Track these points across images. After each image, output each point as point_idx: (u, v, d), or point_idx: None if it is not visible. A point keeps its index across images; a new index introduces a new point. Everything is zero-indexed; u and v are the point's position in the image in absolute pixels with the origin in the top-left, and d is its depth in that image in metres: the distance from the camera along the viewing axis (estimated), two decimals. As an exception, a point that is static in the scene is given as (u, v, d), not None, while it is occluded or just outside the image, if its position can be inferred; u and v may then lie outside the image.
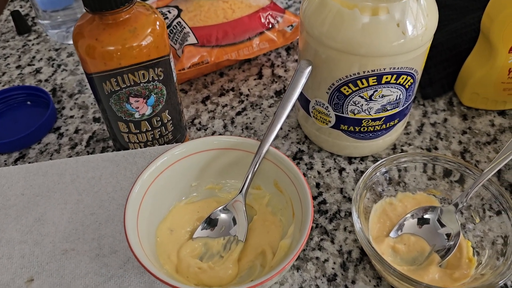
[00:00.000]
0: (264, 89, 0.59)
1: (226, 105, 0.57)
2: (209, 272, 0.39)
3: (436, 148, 0.51)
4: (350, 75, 0.42)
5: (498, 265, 0.37)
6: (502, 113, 0.55)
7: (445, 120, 0.54)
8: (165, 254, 0.40)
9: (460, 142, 0.52)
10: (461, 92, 0.55)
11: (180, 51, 0.58)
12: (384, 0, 0.38)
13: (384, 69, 0.41)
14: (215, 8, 0.62)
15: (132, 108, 0.43)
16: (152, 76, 0.41)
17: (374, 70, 0.41)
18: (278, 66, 0.62)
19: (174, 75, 0.44)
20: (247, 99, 0.58)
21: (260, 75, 0.61)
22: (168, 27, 0.60)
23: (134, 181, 0.39)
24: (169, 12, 0.62)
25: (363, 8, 0.39)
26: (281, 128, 0.54)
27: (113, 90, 0.41)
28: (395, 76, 0.41)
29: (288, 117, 0.55)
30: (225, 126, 0.55)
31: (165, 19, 0.61)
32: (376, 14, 0.39)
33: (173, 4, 0.63)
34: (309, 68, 0.43)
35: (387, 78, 0.41)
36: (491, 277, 0.37)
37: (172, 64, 0.43)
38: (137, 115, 0.43)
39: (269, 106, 0.57)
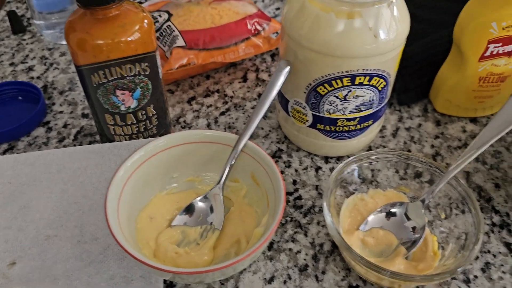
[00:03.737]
0: (248, 91, 0.61)
1: (210, 105, 0.59)
2: (185, 257, 0.40)
3: (409, 151, 0.54)
4: (326, 76, 0.44)
5: (459, 257, 0.40)
6: (474, 120, 0.58)
7: (419, 125, 0.57)
8: (144, 240, 0.42)
9: (432, 146, 0.54)
10: (434, 99, 0.58)
11: (168, 52, 0.61)
12: (358, 5, 0.41)
13: (358, 70, 0.43)
14: (204, 14, 0.64)
15: (119, 100, 0.45)
16: (139, 71, 0.44)
17: (348, 71, 0.43)
18: (262, 70, 0.65)
19: (159, 72, 0.47)
20: (231, 101, 0.60)
21: (245, 79, 0.63)
22: (158, 30, 0.63)
23: (118, 167, 0.41)
24: (160, 16, 0.64)
25: (339, 13, 0.42)
26: (262, 128, 0.56)
27: (100, 82, 0.43)
28: (368, 77, 0.44)
29: (269, 118, 0.58)
30: (208, 125, 0.57)
31: (155, 22, 0.63)
32: (351, 18, 0.42)
33: (164, 9, 0.66)
34: (288, 68, 0.46)
35: (360, 79, 0.44)
36: (451, 266, 0.39)
37: (158, 61, 0.46)
38: (123, 108, 0.46)
39: (252, 108, 0.59)
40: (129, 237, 0.40)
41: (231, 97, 0.61)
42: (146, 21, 0.43)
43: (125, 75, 0.43)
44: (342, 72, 0.43)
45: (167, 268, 0.36)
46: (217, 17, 0.64)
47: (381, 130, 0.56)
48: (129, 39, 0.42)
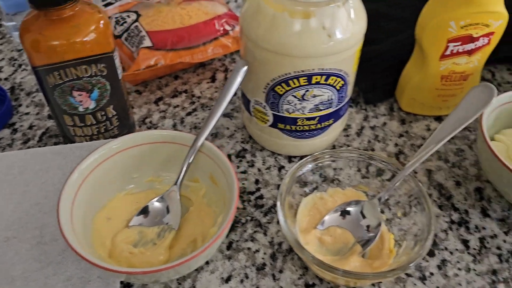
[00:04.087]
0: (216, 92, 0.61)
1: (177, 105, 0.60)
2: (140, 257, 0.40)
3: (373, 149, 0.54)
4: (283, 75, 0.44)
5: (412, 254, 0.40)
6: (438, 118, 0.58)
7: (385, 124, 0.57)
8: (100, 240, 0.42)
9: (396, 145, 0.55)
10: (400, 98, 0.58)
11: (136, 53, 0.61)
12: (311, 5, 0.41)
13: (313, 69, 0.43)
14: (173, 14, 0.64)
15: (76, 101, 0.45)
16: (95, 71, 0.44)
17: (304, 70, 0.43)
18: (231, 70, 0.65)
19: (119, 73, 0.47)
20: (198, 101, 0.60)
21: (213, 79, 0.64)
22: (126, 30, 0.63)
23: (72, 170, 0.41)
24: (128, 16, 0.64)
25: (293, 13, 0.42)
26: (227, 128, 0.57)
27: (56, 83, 0.43)
28: (324, 77, 0.44)
29: (235, 118, 0.58)
30: (174, 125, 0.57)
31: (123, 23, 0.64)
32: (304, 18, 0.42)
33: (134, 9, 0.66)
34: (245, 68, 0.46)
35: (317, 78, 0.44)
36: (404, 262, 0.39)
37: (116, 61, 0.46)
38: (81, 109, 0.46)
39: (219, 108, 0.59)
40: (83, 238, 0.40)
41: (199, 97, 0.61)
42: (102, 21, 0.43)
43: (81, 76, 0.43)
44: (299, 72, 0.44)
45: (117, 269, 0.36)
46: (186, 18, 0.64)
47: (346, 129, 0.56)
48: (84, 39, 0.42)
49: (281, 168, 0.52)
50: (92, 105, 0.46)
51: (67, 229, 0.38)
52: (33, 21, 0.42)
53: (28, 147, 0.54)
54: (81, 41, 0.42)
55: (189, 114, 0.58)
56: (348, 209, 0.44)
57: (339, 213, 0.44)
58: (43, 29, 0.41)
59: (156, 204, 0.44)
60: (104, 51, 0.43)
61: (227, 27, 0.65)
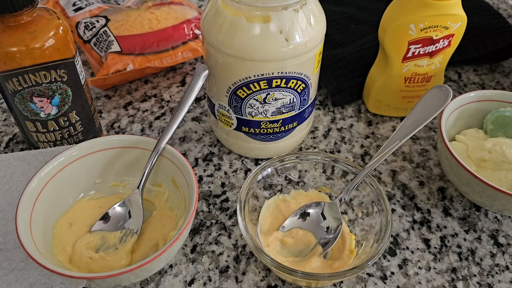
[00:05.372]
0: (185, 95, 0.62)
1: (146, 110, 0.60)
2: (100, 262, 0.40)
3: (339, 151, 0.55)
4: (243, 79, 0.45)
5: (370, 253, 0.40)
6: (404, 120, 0.59)
7: (351, 125, 0.58)
8: (61, 246, 0.42)
9: (362, 146, 0.55)
10: (366, 100, 0.59)
11: (104, 58, 0.61)
12: (267, 10, 0.42)
13: (273, 73, 0.44)
14: (142, 19, 0.64)
15: (37, 107, 0.45)
16: (55, 77, 0.44)
17: (263, 74, 0.44)
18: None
19: (81, 78, 0.47)
20: (167, 105, 0.60)
21: (183, 83, 0.64)
22: (95, 35, 0.63)
23: (31, 178, 0.41)
24: (97, 21, 0.64)
25: (250, 17, 0.42)
26: (195, 132, 0.57)
27: (16, 89, 0.43)
28: (284, 80, 0.45)
29: (203, 122, 0.58)
30: (142, 130, 0.57)
31: (92, 28, 0.64)
32: (262, 22, 0.42)
33: (103, 14, 0.66)
34: (206, 72, 0.46)
35: (276, 82, 0.45)
36: (363, 261, 0.39)
37: (78, 67, 0.46)
38: (42, 115, 0.45)
39: (188, 112, 0.59)
40: (43, 245, 0.40)
41: (168, 101, 0.61)
42: (61, 28, 0.43)
43: (41, 82, 0.43)
44: (258, 76, 0.44)
45: (75, 275, 0.36)
46: (155, 22, 0.65)
47: (313, 131, 0.57)
48: (42, 46, 0.42)
49: (247, 171, 0.52)
50: (53, 111, 0.46)
51: (25, 236, 0.38)
52: (-10, 27, 0.42)
53: (-6, 154, 0.54)
54: (39, 47, 0.42)
55: (157, 118, 0.59)
56: (308, 211, 0.44)
57: (300, 215, 0.44)
58: (0, 35, 0.41)
59: (118, 209, 0.44)
60: (64, 57, 0.43)
61: (197, 31, 0.65)
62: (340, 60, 0.60)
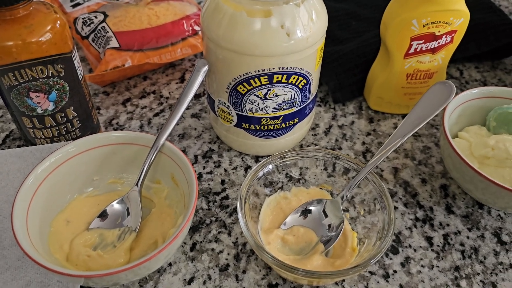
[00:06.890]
0: (184, 92, 0.61)
1: (145, 106, 0.59)
2: (98, 260, 0.40)
3: (340, 148, 0.54)
4: (244, 74, 0.44)
5: (372, 252, 0.40)
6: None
7: (353, 122, 0.57)
8: (58, 244, 0.41)
9: (363, 143, 0.55)
10: (368, 97, 0.58)
11: (102, 54, 0.60)
12: (268, 4, 0.41)
13: (274, 68, 0.43)
14: (140, 15, 0.64)
15: (34, 103, 0.44)
16: (52, 72, 0.43)
17: (264, 69, 0.43)
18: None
19: (79, 73, 0.46)
20: (166, 102, 0.60)
21: (182, 79, 0.63)
22: (93, 31, 0.62)
23: (27, 175, 0.41)
24: (96, 17, 0.64)
25: (251, 12, 0.42)
26: (195, 129, 0.56)
27: (12, 84, 0.42)
28: (285, 75, 0.44)
29: (203, 118, 0.57)
30: (141, 126, 0.56)
31: (90, 23, 0.63)
32: (263, 17, 0.42)
33: (101, 10, 0.65)
34: (205, 68, 0.45)
35: (277, 77, 0.44)
36: (365, 259, 0.39)
37: (76, 62, 0.45)
38: (39, 110, 0.45)
39: (187, 108, 0.59)
40: (40, 243, 0.39)
41: (167, 98, 0.60)
42: (58, 22, 0.42)
43: (37, 77, 0.42)
44: (259, 71, 0.43)
45: (72, 273, 0.35)
46: (154, 18, 0.64)
47: (314, 128, 0.56)
48: (39, 40, 0.41)
49: (247, 168, 0.52)
50: (51, 106, 0.45)
51: (22, 234, 0.37)
52: (-14, 21, 0.41)
53: (-9, 151, 0.53)
54: (36, 42, 0.41)
55: (156, 115, 0.58)
56: (309, 208, 0.44)
57: (301, 212, 0.44)
58: (-3, 29, 0.40)
59: (116, 206, 0.43)
60: (61, 51, 0.43)
61: (196, 27, 0.64)
62: (341, 56, 0.60)
